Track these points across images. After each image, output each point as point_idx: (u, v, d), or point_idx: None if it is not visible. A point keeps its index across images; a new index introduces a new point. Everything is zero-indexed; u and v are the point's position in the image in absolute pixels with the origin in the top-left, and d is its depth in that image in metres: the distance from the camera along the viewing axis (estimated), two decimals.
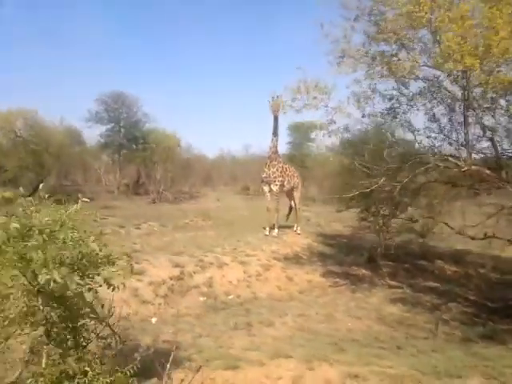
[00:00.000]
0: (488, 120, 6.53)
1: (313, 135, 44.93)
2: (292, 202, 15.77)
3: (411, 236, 12.28)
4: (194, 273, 9.95)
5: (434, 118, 7.20)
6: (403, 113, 7.34)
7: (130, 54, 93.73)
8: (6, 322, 3.29)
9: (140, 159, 27.73)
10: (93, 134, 32.32)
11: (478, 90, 6.11)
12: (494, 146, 6.57)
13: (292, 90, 7.21)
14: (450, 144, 7.04)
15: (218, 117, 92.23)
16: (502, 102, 6.25)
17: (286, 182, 14.64)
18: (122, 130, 30.02)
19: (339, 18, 6.95)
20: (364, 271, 11.35)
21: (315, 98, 7.07)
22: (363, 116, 7.59)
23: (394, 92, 7.28)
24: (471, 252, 13.03)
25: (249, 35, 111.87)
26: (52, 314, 3.41)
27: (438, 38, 5.70)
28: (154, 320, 8.02)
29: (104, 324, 3.97)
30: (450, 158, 6.54)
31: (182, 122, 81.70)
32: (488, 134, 6.44)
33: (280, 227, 14.63)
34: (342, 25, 6.86)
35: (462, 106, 6.45)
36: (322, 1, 7.36)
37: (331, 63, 7.45)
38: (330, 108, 7.26)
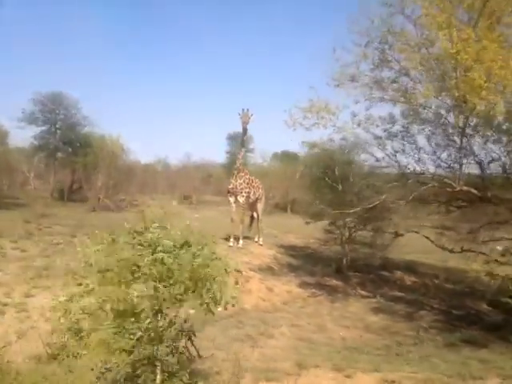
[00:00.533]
0: (477, 146, 7.34)
1: (251, 145, 46.26)
2: (254, 213, 15.97)
3: (369, 249, 13.08)
4: None
5: (428, 142, 7.91)
6: (401, 136, 7.95)
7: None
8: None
9: (80, 164, 26.21)
10: (25, 136, 30.03)
11: (474, 120, 6.85)
12: (481, 168, 7.37)
13: (303, 109, 7.51)
14: (439, 166, 7.76)
15: (160, 124, 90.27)
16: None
17: (251, 194, 14.85)
18: (58, 132, 28.20)
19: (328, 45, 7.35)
20: (335, 281, 11.86)
21: (323, 117, 7.43)
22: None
23: (397, 116, 7.88)
24: (423, 263, 14.19)
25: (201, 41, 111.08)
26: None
27: (458, 73, 6.30)
28: None
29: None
30: (446, 180, 7.22)
31: (121, 127, 78.72)
32: (476, 158, 7.25)
33: (244, 238, 14.77)
34: (353, 50, 7.32)
35: (459, 133, 7.16)
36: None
37: (330, 85, 7.87)
38: (336, 127, 7.66)
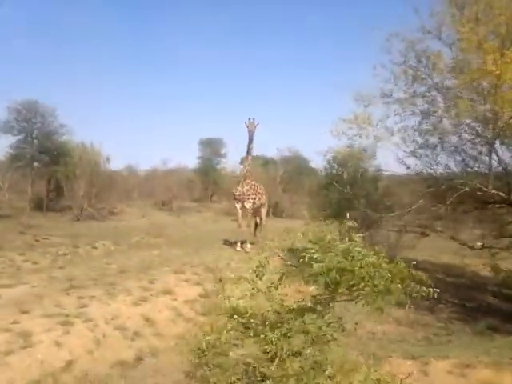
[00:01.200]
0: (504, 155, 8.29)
1: (223, 151, 46.71)
2: (257, 219, 16.41)
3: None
4: (216, 291, 10.05)
5: (457, 152, 8.78)
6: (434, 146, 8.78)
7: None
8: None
9: (60, 173, 25.64)
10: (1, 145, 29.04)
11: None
12: (507, 174, 8.29)
13: (348, 120, 8.16)
14: (469, 173, 8.62)
15: (136, 130, 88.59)
16: None
17: (257, 200, 15.32)
18: (35, 141, 27.42)
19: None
20: None
21: (365, 128, 8.10)
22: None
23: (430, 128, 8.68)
24: (422, 260, 15.18)
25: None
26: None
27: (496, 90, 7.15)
28: (209, 337, 8.06)
29: None
30: (478, 184, 8.07)
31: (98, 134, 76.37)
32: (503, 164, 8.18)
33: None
34: (390, 68, 8.07)
35: (489, 144, 8.05)
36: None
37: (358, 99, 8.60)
38: (376, 137, 8.36)
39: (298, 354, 3.63)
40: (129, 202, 37.27)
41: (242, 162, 16.25)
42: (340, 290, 3.69)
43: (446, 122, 8.57)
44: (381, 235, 13.86)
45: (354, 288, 3.55)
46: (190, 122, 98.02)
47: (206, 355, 4.09)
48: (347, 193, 12.58)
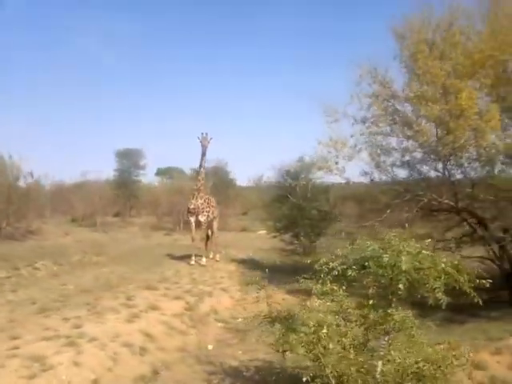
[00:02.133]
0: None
1: (142, 162, 45.42)
2: (209, 231, 16.84)
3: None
4: (197, 303, 10.39)
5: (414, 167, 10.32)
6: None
7: None
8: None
9: None
10: None
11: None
12: (455, 187, 9.94)
13: (325, 143, 9.28)
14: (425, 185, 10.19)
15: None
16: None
17: (210, 213, 15.82)
18: None
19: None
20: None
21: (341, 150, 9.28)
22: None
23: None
24: None
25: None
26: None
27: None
28: (210, 347, 8.51)
29: None
30: (433, 195, 9.60)
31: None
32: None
33: (188, 257, 15.52)
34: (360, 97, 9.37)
35: (442, 161, 9.67)
36: None
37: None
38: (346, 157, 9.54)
39: None
40: (42, 219, 34.61)
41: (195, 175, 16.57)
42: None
43: (406, 142, 10.09)
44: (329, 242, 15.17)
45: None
46: (108, 132, 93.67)
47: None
48: (299, 204, 13.63)
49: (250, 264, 16.37)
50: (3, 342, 7.23)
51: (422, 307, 10.96)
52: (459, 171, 9.97)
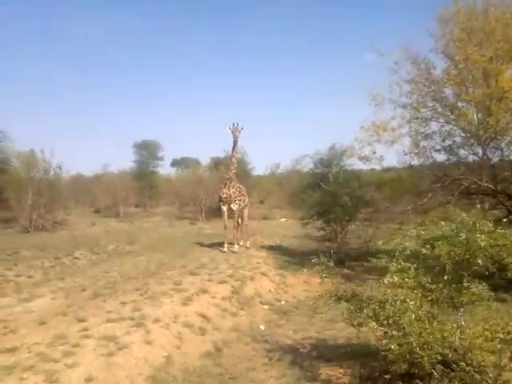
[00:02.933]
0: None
1: (160, 153, 45.95)
2: (239, 220, 17.18)
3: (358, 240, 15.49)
4: (241, 287, 10.77)
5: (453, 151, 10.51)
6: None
7: None
8: None
9: (5, 182, 23.98)
10: None
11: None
12: (494, 170, 10.13)
13: (367, 128, 9.51)
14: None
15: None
16: None
17: (241, 202, 16.15)
18: None
19: None
20: (347, 271, 13.87)
21: (382, 134, 9.49)
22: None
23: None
24: None
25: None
26: None
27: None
28: (262, 327, 8.90)
29: None
30: (474, 179, 9.84)
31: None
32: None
33: (218, 244, 15.94)
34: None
35: (482, 145, 9.84)
36: None
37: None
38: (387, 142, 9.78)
39: None
40: (66, 210, 35.30)
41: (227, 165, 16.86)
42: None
43: (446, 126, 10.29)
44: (358, 228, 15.46)
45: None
46: (127, 125, 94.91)
47: None
48: (332, 191, 13.87)
49: (280, 250, 16.73)
50: (71, 325, 7.70)
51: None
52: (498, 154, 10.16)
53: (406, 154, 10.74)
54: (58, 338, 6.95)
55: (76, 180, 41.60)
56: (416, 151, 10.35)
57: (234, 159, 15.89)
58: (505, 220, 5.05)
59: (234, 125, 15.55)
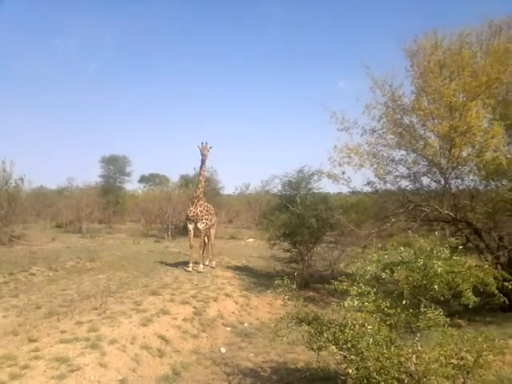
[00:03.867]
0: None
1: (128, 169, 45.27)
2: (206, 239, 17.00)
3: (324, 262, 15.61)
4: (204, 308, 10.57)
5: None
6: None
7: None
8: None
9: None
10: None
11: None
12: (455, 198, 10.50)
13: (340, 149, 9.74)
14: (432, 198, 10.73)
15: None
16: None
17: (209, 221, 16.03)
18: None
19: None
20: (311, 293, 13.88)
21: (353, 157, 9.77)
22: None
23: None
24: None
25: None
26: None
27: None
28: (223, 350, 8.73)
29: None
30: (436, 206, 10.15)
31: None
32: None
33: (183, 263, 15.78)
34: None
35: (444, 174, 10.20)
36: None
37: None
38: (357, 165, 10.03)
39: None
40: (25, 224, 34.01)
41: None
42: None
43: (411, 154, 10.64)
44: (324, 250, 15.61)
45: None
46: (95, 139, 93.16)
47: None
48: (299, 213, 13.99)
49: (246, 271, 16.63)
50: (21, 344, 7.34)
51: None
52: (458, 183, 10.56)
53: (370, 182, 11.01)
54: (7, 359, 6.60)
55: (38, 193, 40.24)
56: (381, 177, 10.61)
57: (201, 178, 15.81)
58: (461, 247, 5.16)
59: (202, 143, 15.50)
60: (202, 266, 15.42)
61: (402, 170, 10.75)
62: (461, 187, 10.79)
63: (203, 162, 15.81)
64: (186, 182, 34.71)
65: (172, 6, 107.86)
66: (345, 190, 12.30)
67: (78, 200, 34.00)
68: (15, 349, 7.09)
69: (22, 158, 79.76)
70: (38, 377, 6.09)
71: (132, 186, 58.59)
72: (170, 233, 29.98)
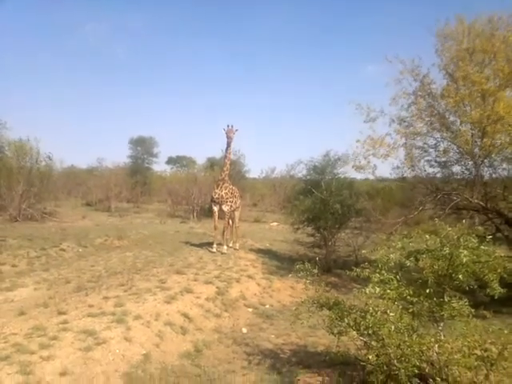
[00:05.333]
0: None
1: (155, 150, 45.85)
2: (230, 221, 17.10)
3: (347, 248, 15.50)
4: (226, 289, 10.70)
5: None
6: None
7: None
8: None
9: None
10: None
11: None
12: (486, 187, 10.20)
13: (364, 142, 9.61)
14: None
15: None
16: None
17: (233, 203, 16.09)
18: None
19: None
20: (334, 278, 13.85)
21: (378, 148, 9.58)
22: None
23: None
24: None
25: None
26: None
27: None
28: (244, 330, 8.85)
29: None
30: (465, 195, 9.90)
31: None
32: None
33: (207, 244, 15.90)
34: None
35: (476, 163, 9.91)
36: None
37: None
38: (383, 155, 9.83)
39: None
40: (57, 201, 35.07)
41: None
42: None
43: (442, 142, 10.36)
44: (348, 236, 15.49)
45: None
46: (125, 121, 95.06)
47: None
48: (324, 198, 13.86)
49: (269, 254, 16.66)
50: (51, 317, 7.62)
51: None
52: (490, 172, 10.23)
53: (398, 168, 10.79)
54: (37, 330, 6.89)
55: (69, 172, 41.37)
56: (411, 164, 10.36)
57: (227, 160, 15.83)
58: (490, 237, 5.00)
59: (228, 126, 15.48)
60: (225, 247, 15.54)
61: (432, 157, 10.46)
62: (493, 176, 10.43)
63: (229, 144, 15.81)
64: (211, 164, 34.79)
65: None
66: (371, 176, 12.12)
67: (108, 180, 34.77)
68: (45, 320, 7.38)
69: (55, 137, 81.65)
70: (66, 348, 6.32)
71: (159, 167, 59.35)
72: (195, 214, 30.35)
